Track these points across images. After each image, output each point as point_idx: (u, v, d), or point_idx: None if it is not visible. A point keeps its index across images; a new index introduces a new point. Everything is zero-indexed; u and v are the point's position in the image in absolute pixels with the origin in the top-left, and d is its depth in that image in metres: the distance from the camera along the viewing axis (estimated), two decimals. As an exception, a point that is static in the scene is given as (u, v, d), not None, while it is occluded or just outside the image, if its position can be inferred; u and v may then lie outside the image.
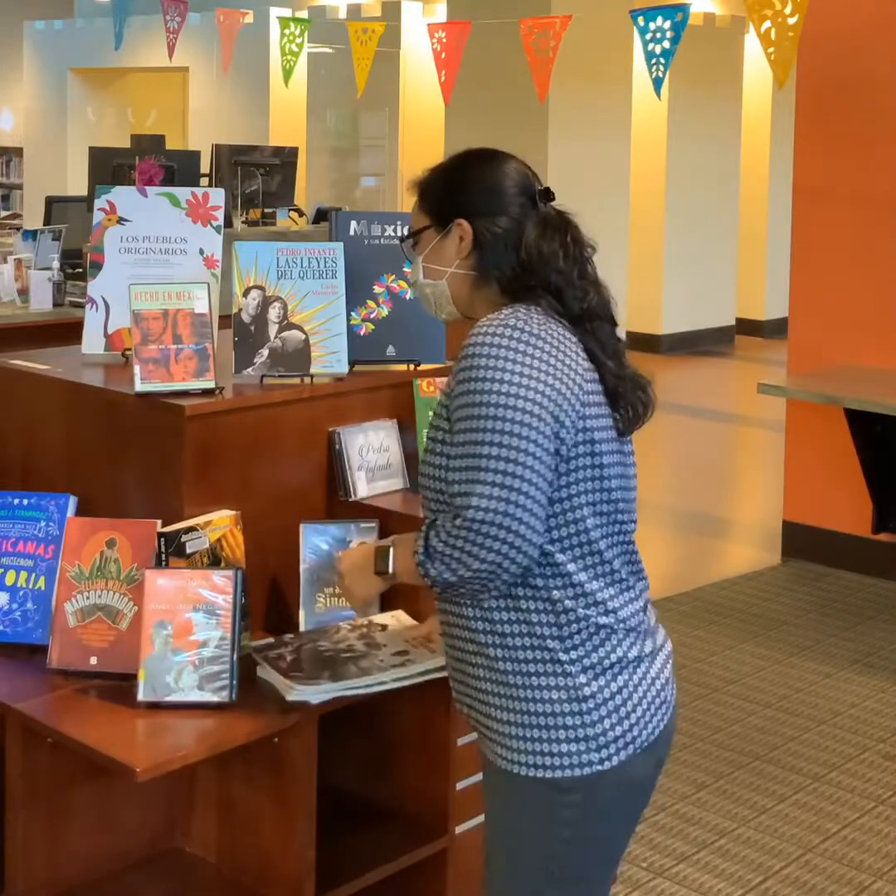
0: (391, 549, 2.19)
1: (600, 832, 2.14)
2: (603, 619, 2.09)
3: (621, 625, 2.10)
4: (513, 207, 2.20)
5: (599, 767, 2.06)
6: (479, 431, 1.99)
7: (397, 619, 2.77)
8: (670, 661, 2.20)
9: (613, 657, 2.09)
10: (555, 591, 2.06)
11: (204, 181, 8.01)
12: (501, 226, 2.18)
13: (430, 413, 2.33)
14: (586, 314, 2.14)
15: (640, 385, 2.19)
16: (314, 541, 2.86)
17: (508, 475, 1.96)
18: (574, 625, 2.07)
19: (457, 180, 2.24)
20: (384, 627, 2.74)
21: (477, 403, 2.01)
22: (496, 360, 2.02)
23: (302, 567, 2.85)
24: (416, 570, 2.06)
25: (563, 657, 2.07)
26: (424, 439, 2.27)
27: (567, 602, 2.07)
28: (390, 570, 2.18)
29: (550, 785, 2.07)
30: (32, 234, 6.93)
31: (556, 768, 2.06)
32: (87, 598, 2.65)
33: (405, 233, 2.40)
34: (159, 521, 2.66)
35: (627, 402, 2.15)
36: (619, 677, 2.09)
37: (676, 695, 2.20)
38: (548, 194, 2.29)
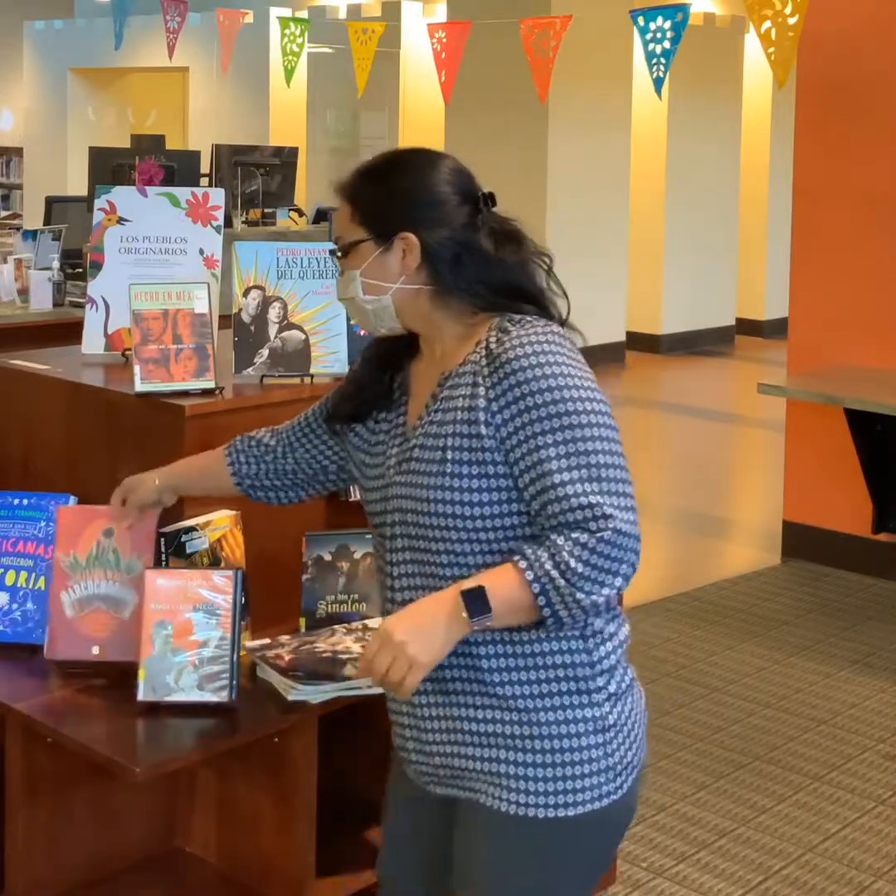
0: (485, 588, 1.86)
1: (602, 861, 2.09)
2: (616, 642, 2.02)
3: (624, 645, 2.05)
4: (459, 216, 2.03)
5: (614, 796, 1.98)
6: (585, 440, 1.88)
7: None
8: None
9: (626, 681, 2.02)
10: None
11: (204, 181, 8.01)
12: (450, 237, 2.02)
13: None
14: (565, 324, 2.07)
15: None
16: (317, 551, 2.86)
17: (628, 483, 1.88)
18: (601, 649, 1.99)
19: (395, 189, 2.05)
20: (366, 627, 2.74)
21: (567, 412, 1.88)
22: (563, 370, 1.92)
23: (304, 577, 2.85)
24: (525, 604, 1.85)
25: (592, 686, 1.97)
26: (422, 456, 2.01)
27: (598, 623, 1.99)
28: (493, 608, 1.84)
29: (570, 823, 1.96)
30: (32, 234, 6.93)
31: (578, 804, 1.95)
32: (85, 588, 2.63)
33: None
34: (158, 511, 2.63)
35: None
36: (629, 700, 2.02)
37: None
38: (491, 199, 2.09)
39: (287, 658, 2.58)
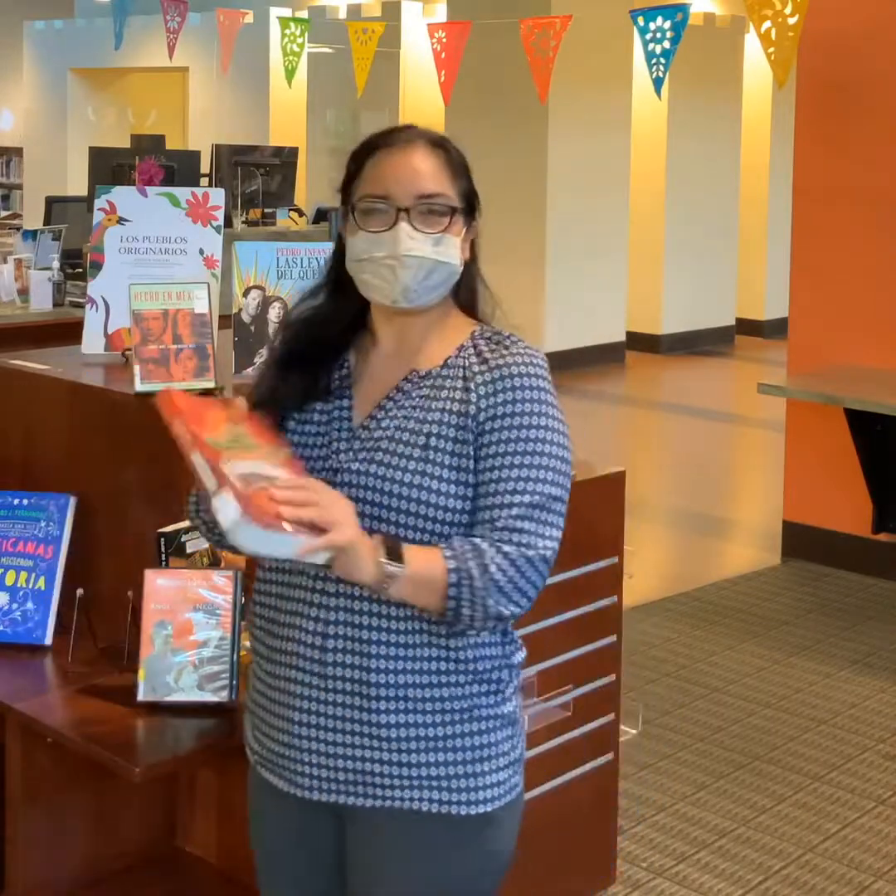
0: (402, 547, 1.84)
1: (512, 853, 2.05)
2: (515, 636, 2.04)
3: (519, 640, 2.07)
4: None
5: (518, 789, 2.01)
6: (548, 470, 1.91)
7: None
8: None
9: (520, 677, 2.05)
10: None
11: (204, 181, 8.02)
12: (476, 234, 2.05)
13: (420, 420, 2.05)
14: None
15: None
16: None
17: (563, 517, 1.92)
18: (510, 646, 2.01)
19: (468, 172, 2.04)
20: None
21: (543, 440, 1.92)
22: (551, 399, 1.96)
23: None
24: (436, 586, 1.83)
25: (504, 685, 1.99)
26: (407, 451, 1.96)
27: (510, 626, 2.00)
28: (403, 568, 1.80)
29: (488, 818, 1.96)
30: (32, 234, 6.93)
31: (496, 800, 1.96)
32: (238, 466, 1.90)
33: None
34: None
35: None
36: (518, 695, 2.05)
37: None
38: None
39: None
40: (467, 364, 1.97)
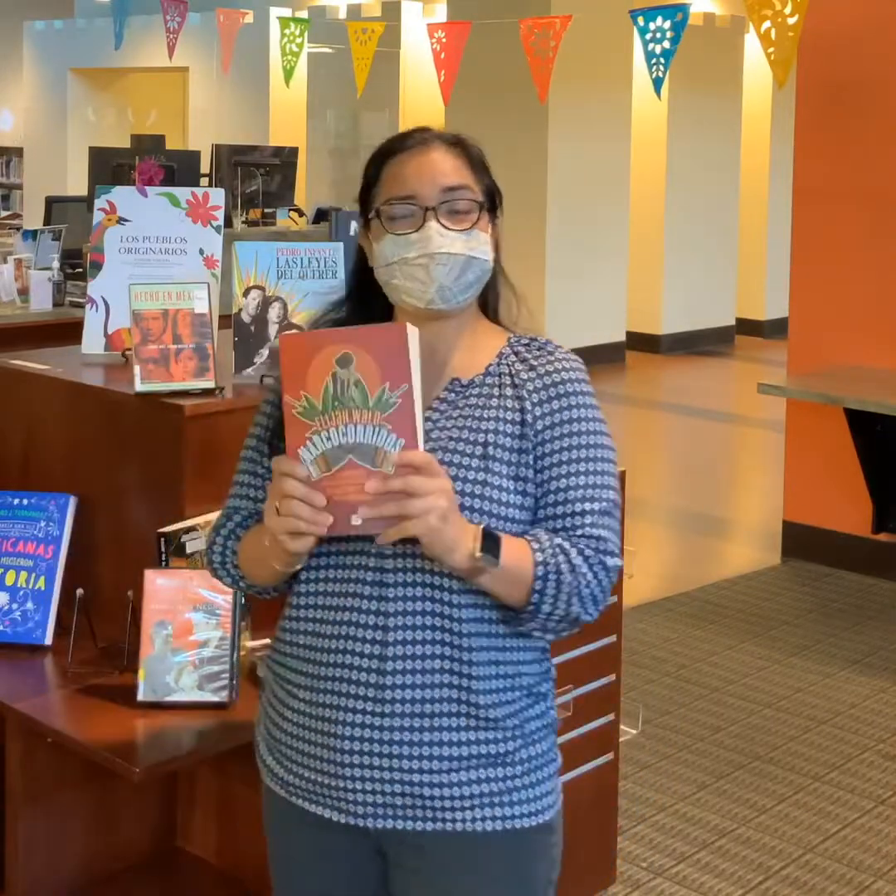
0: (501, 539, 1.81)
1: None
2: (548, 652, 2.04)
3: None
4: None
5: (561, 793, 2.01)
6: (609, 475, 1.93)
7: None
8: None
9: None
10: None
11: (204, 181, 8.01)
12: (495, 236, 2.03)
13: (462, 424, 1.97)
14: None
15: None
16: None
17: (619, 523, 1.95)
18: (546, 662, 2.01)
19: (488, 168, 2.03)
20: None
21: (601, 446, 1.94)
22: (598, 405, 1.98)
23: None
24: (523, 579, 1.82)
25: (548, 690, 2.00)
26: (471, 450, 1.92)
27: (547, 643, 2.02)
28: (497, 564, 1.79)
29: (549, 827, 1.96)
30: (32, 234, 6.93)
31: (551, 808, 1.96)
32: (328, 438, 1.79)
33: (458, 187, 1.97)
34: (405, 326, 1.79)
35: None
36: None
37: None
38: None
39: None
40: (513, 371, 1.96)
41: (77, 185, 11.51)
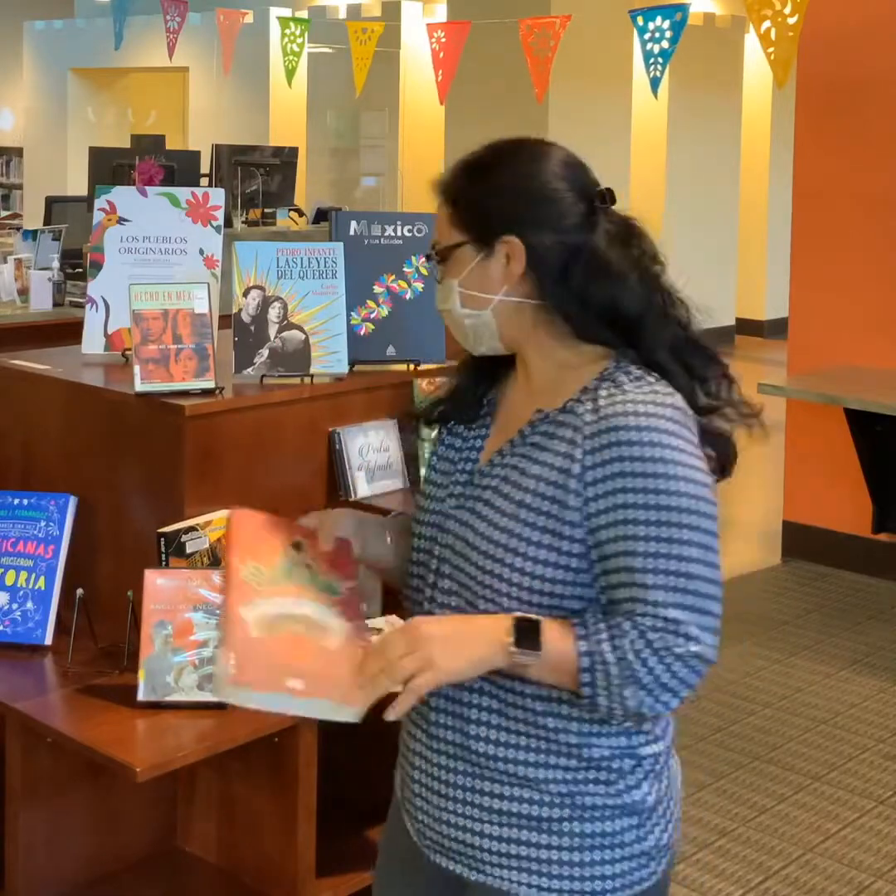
0: (541, 624, 1.64)
1: None
2: (664, 745, 1.83)
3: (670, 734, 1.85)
4: (571, 216, 1.79)
5: (647, 883, 1.78)
6: (684, 537, 1.64)
7: (391, 623, 2.76)
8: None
9: (663, 759, 1.82)
10: None
11: (204, 181, 8.01)
12: (560, 241, 1.77)
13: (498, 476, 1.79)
14: (671, 361, 1.78)
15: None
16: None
17: (718, 599, 1.65)
18: (640, 736, 1.79)
19: (498, 185, 1.80)
20: (379, 631, 2.73)
21: (671, 493, 1.65)
22: (675, 448, 1.67)
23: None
24: (569, 667, 1.64)
25: (628, 771, 1.78)
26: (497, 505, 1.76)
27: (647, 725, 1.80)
28: (543, 649, 1.63)
29: None
30: (32, 234, 6.93)
31: (607, 892, 1.76)
32: (277, 605, 1.78)
33: (427, 243, 1.97)
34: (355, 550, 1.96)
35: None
36: (665, 777, 1.82)
37: None
38: (609, 196, 1.85)
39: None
40: (583, 411, 1.72)
41: (77, 185, 11.51)
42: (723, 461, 1.87)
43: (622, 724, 1.74)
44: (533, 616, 1.66)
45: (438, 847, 1.84)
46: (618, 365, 1.76)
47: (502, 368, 1.89)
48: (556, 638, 1.64)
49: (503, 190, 1.80)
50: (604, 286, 1.76)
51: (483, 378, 1.91)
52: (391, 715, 1.62)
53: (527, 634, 1.63)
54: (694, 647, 1.62)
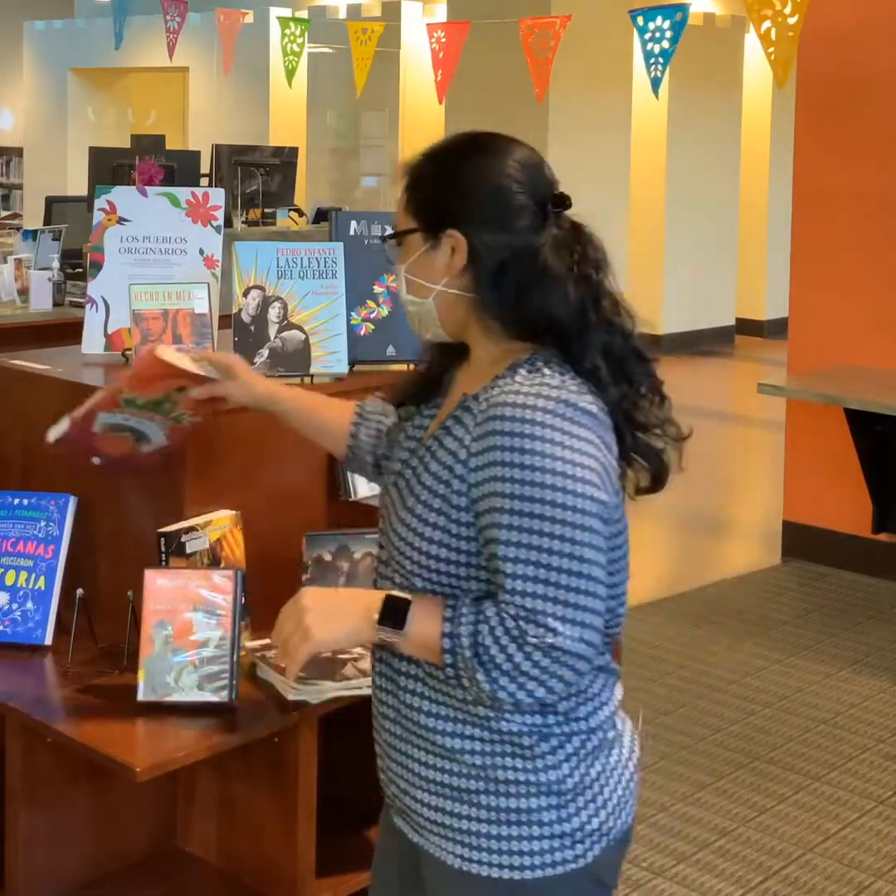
0: (412, 605, 1.72)
1: None
2: (607, 711, 1.88)
3: (613, 706, 1.90)
4: (521, 219, 1.79)
5: (573, 865, 1.78)
6: (548, 534, 1.66)
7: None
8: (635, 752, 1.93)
9: (593, 741, 1.82)
10: None
11: (204, 181, 8.02)
12: (504, 242, 1.78)
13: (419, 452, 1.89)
14: (602, 368, 1.79)
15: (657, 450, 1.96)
16: (317, 551, 2.85)
17: (591, 595, 1.67)
18: (553, 716, 1.80)
19: (452, 178, 1.81)
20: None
21: (535, 496, 1.67)
22: (550, 441, 1.68)
23: (304, 577, 2.84)
24: (435, 648, 1.70)
25: (548, 750, 1.80)
26: (407, 484, 1.85)
27: (563, 705, 1.81)
28: (406, 629, 1.72)
29: (519, 887, 1.78)
30: (32, 234, 6.93)
31: (526, 868, 1.77)
32: (126, 420, 2.38)
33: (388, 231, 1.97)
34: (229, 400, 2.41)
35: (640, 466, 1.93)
36: (600, 762, 1.82)
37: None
38: (563, 201, 1.82)
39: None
40: (482, 398, 1.77)
41: (77, 185, 11.51)
42: (654, 474, 1.99)
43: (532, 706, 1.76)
44: (404, 595, 1.74)
45: (394, 808, 1.92)
46: (530, 358, 1.79)
47: (460, 352, 1.94)
48: (424, 618, 1.71)
49: (456, 184, 1.82)
50: (538, 290, 1.78)
51: (445, 359, 1.96)
52: (289, 676, 1.88)
53: (392, 613, 1.72)
54: (550, 639, 1.64)
